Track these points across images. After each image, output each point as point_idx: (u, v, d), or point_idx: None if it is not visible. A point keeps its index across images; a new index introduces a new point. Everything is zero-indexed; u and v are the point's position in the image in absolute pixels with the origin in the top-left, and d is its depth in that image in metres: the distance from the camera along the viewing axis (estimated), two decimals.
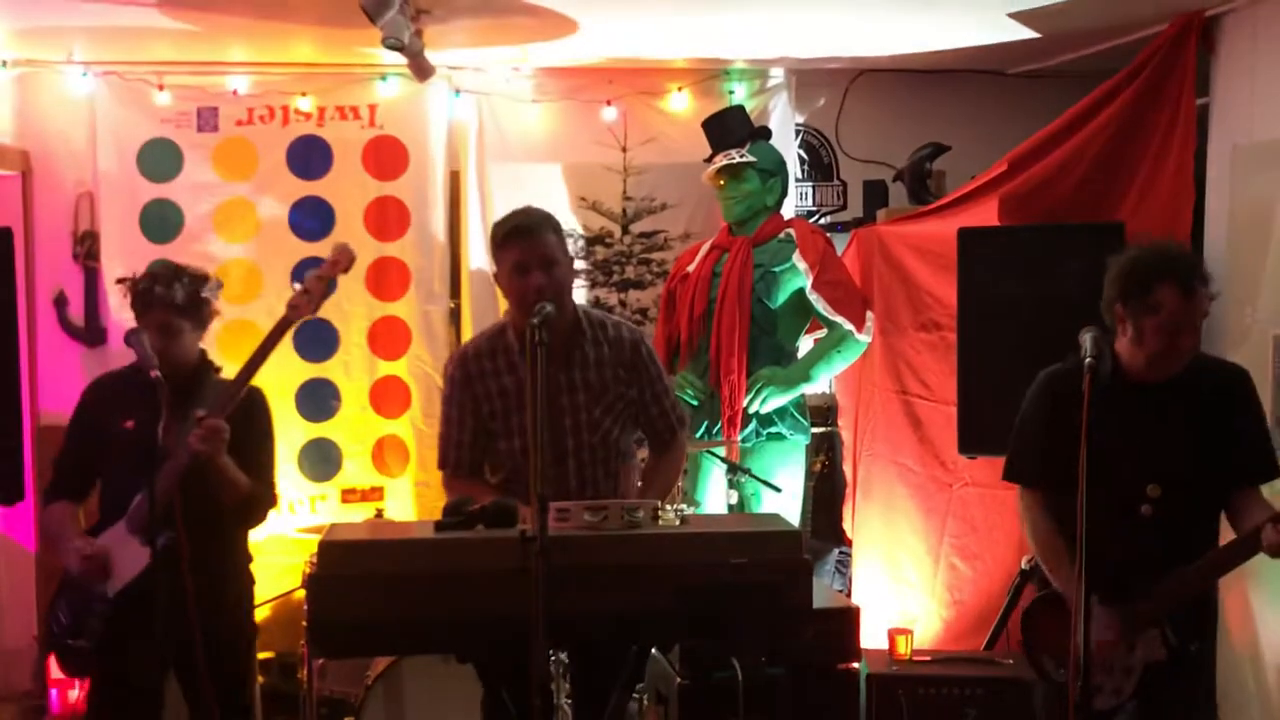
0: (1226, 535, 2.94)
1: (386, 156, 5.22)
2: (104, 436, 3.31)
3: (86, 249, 5.09)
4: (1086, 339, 2.77)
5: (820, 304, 4.69)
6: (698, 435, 4.71)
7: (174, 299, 3.27)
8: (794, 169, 5.33)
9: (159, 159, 5.10)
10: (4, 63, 4.96)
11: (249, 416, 3.35)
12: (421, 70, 4.34)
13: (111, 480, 3.34)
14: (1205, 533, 2.92)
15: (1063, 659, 2.98)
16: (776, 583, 2.60)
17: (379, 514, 5.12)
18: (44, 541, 3.35)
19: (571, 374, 3.11)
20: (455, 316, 5.35)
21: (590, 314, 3.20)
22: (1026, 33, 4.52)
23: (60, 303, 5.10)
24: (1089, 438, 2.78)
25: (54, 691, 4.75)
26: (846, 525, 5.18)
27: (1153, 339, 2.83)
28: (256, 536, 5.06)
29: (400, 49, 3.79)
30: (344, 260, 3.35)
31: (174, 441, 3.12)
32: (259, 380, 3.41)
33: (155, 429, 3.07)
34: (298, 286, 3.34)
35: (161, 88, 5.04)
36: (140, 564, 3.12)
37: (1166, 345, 2.82)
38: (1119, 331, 2.91)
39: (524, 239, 3.02)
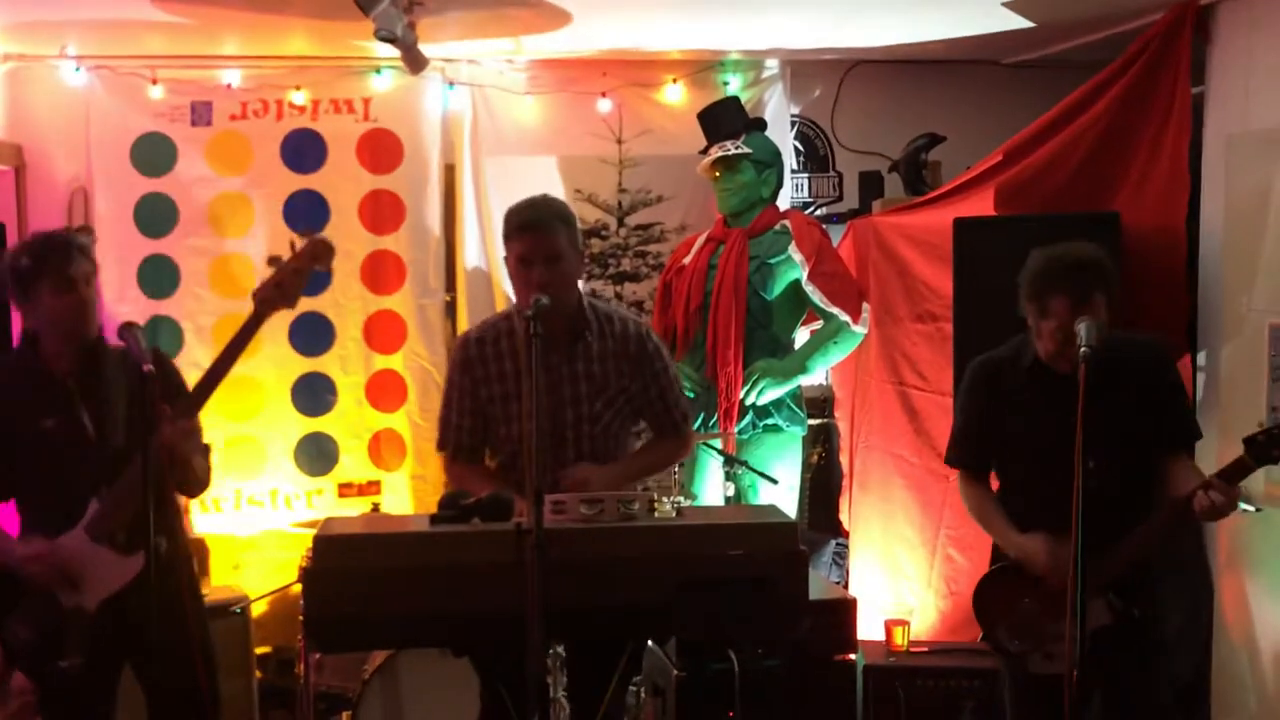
0: None
1: (381, 150, 5.21)
2: (18, 438, 3.04)
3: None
4: (1081, 328, 2.81)
5: (816, 295, 4.69)
6: (695, 427, 4.70)
7: (86, 269, 3.03)
8: (789, 160, 5.32)
9: (153, 153, 5.08)
10: None
11: (168, 382, 3.07)
12: (415, 63, 4.33)
13: (39, 485, 3.09)
14: (1143, 504, 3.04)
15: (1015, 630, 3.11)
16: (773, 574, 2.60)
17: (375, 508, 5.11)
18: None
19: (575, 365, 3.11)
20: (451, 310, 5.34)
21: (597, 306, 3.20)
22: (1021, 22, 4.51)
23: None
24: (1018, 421, 3.08)
25: None
26: (843, 517, 5.18)
27: (1048, 341, 3.00)
28: (251, 531, 5.14)
29: (393, 41, 3.78)
30: (322, 253, 3.04)
31: (122, 439, 2.98)
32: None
33: (79, 425, 2.97)
34: (266, 277, 3.04)
35: (155, 81, 5.03)
36: (125, 573, 2.96)
37: (1058, 350, 2.97)
38: (1029, 325, 3.08)
39: (530, 233, 3.02)
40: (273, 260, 3.04)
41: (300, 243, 3.04)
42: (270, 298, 3.01)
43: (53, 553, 2.99)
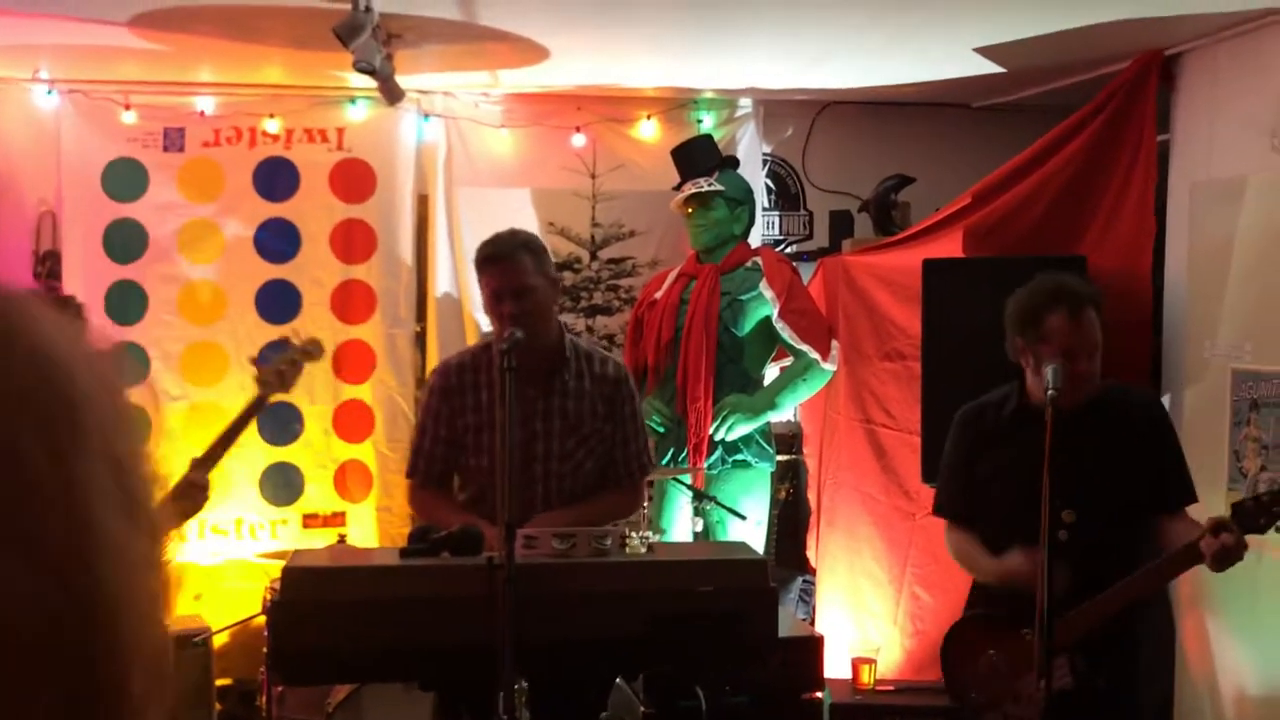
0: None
1: (354, 179, 5.20)
2: None
3: (48, 269, 5.03)
4: (1048, 372, 2.82)
5: (786, 332, 4.72)
6: (663, 462, 4.71)
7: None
8: (761, 198, 5.36)
9: (124, 178, 5.05)
10: None
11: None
12: (391, 94, 4.34)
13: None
14: (1120, 560, 2.94)
15: (976, 682, 3.08)
16: (742, 611, 2.61)
17: (341, 539, 5.07)
18: None
19: (550, 401, 3.10)
20: (421, 340, 5.33)
21: (579, 344, 3.20)
22: (992, 67, 4.58)
23: None
24: (1002, 468, 2.99)
25: None
26: (810, 553, 5.19)
27: (1050, 370, 2.90)
28: (214, 561, 5.08)
29: (371, 73, 3.79)
30: (315, 351, 3.53)
31: None
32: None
33: None
34: (266, 366, 3.41)
35: (128, 107, 5.01)
36: None
37: (1071, 377, 2.89)
38: (1024, 366, 3.03)
39: (496, 265, 3.03)
40: (279, 343, 3.55)
41: (299, 339, 3.55)
42: (271, 382, 3.37)
43: None
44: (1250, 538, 2.71)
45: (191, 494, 3.08)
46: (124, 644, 0.47)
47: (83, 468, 0.45)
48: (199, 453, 3.27)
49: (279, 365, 3.37)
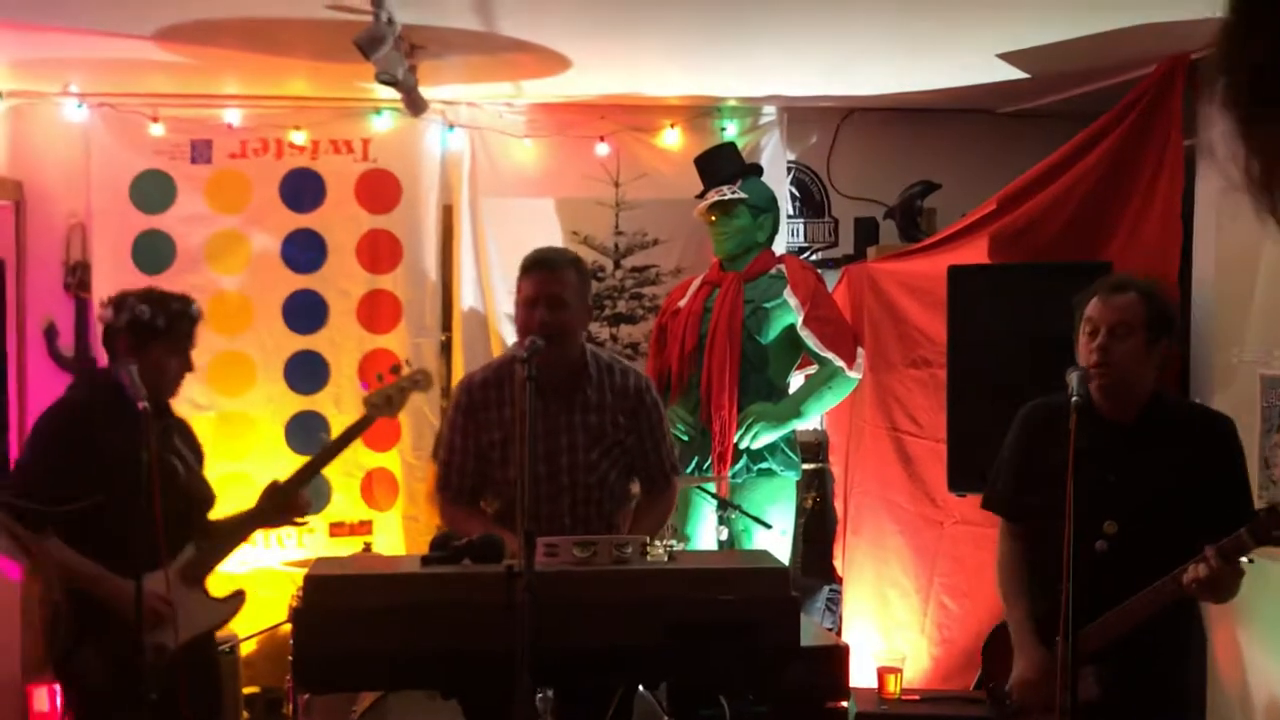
0: None
1: (379, 190, 5.24)
2: (125, 474, 2.99)
3: (78, 279, 5.09)
4: (1073, 378, 2.79)
5: (811, 340, 4.70)
6: (688, 471, 4.70)
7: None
8: (785, 205, 5.35)
9: (152, 190, 5.11)
10: (0, 94, 4.97)
11: (190, 441, 3.50)
12: (415, 105, 4.36)
13: (133, 525, 3.00)
14: (1161, 575, 2.85)
15: (1013, 690, 3.05)
16: (764, 619, 2.60)
17: (367, 548, 5.09)
18: (67, 575, 3.12)
19: (573, 415, 3.13)
20: (446, 349, 5.35)
21: (600, 357, 3.23)
22: (1016, 73, 4.56)
23: (50, 334, 5.10)
24: (1054, 471, 2.86)
25: None
26: (837, 562, 5.17)
27: (1086, 353, 2.91)
28: (241, 569, 5.10)
29: (394, 84, 3.81)
30: (423, 381, 3.62)
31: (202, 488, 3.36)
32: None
33: (172, 469, 3.19)
34: (375, 387, 3.55)
35: (156, 119, 5.06)
36: (216, 617, 3.35)
37: (1094, 355, 2.88)
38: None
39: (539, 272, 3.07)
40: (393, 369, 3.60)
41: (408, 369, 3.63)
42: (380, 404, 3.52)
43: (169, 592, 3.16)
44: None
45: (292, 506, 3.40)
46: None
47: None
48: (293, 470, 3.55)
49: (389, 392, 3.51)
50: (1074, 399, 2.72)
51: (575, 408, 3.13)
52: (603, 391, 3.16)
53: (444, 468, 3.25)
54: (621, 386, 3.18)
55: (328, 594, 2.56)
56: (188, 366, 3.33)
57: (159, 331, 3.22)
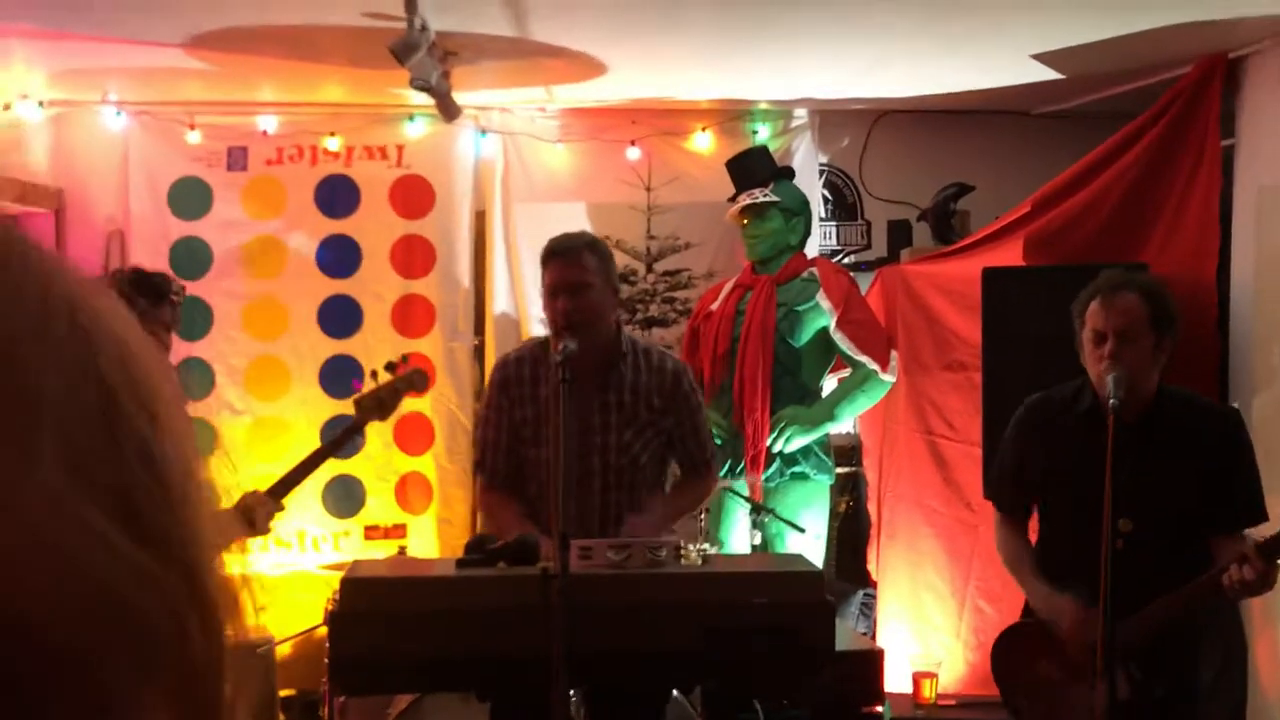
0: None
1: (413, 195, 5.27)
2: None
3: (117, 286, 5.14)
4: (1109, 380, 2.77)
5: (844, 343, 4.69)
6: (721, 474, 4.69)
7: (169, 316, 3.24)
8: (817, 208, 5.34)
9: (189, 197, 5.16)
10: (40, 103, 5.04)
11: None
12: (449, 111, 4.39)
13: None
14: (1178, 574, 2.85)
15: (1030, 693, 3.00)
16: (798, 624, 2.59)
17: (402, 551, 5.12)
18: None
19: (606, 394, 3.14)
20: (479, 354, 5.37)
21: (636, 342, 3.25)
22: (1050, 73, 4.53)
23: None
24: (1064, 467, 2.92)
25: None
26: (871, 567, 5.15)
27: (1089, 359, 2.91)
28: (277, 572, 5.15)
29: (428, 90, 3.84)
30: (418, 382, 3.39)
31: None
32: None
33: None
34: (366, 386, 3.33)
35: (193, 127, 5.11)
36: None
37: (1096, 359, 2.87)
38: (1083, 362, 2.98)
39: (557, 259, 3.09)
40: (388, 367, 3.34)
41: (404, 367, 3.39)
42: (370, 408, 3.28)
43: None
44: None
45: (259, 514, 3.16)
46: (222, 642, 0.46)
47: (168, 438, 0.45)
48: (279, 475, 3.30)
49: (381, 394, 3.30)
50: (1111, 401, 2.71)
51: (609, 387, 3.14)
52: (638, 371, 3.16)
53: (480, 447, 3.30)
54: (659, 367, 3.20)
55: (364, 597, 2.58)
56: (164, 346, 3.22)
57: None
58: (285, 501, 3.23)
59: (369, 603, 2.58)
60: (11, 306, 0.42)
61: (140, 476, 0.43)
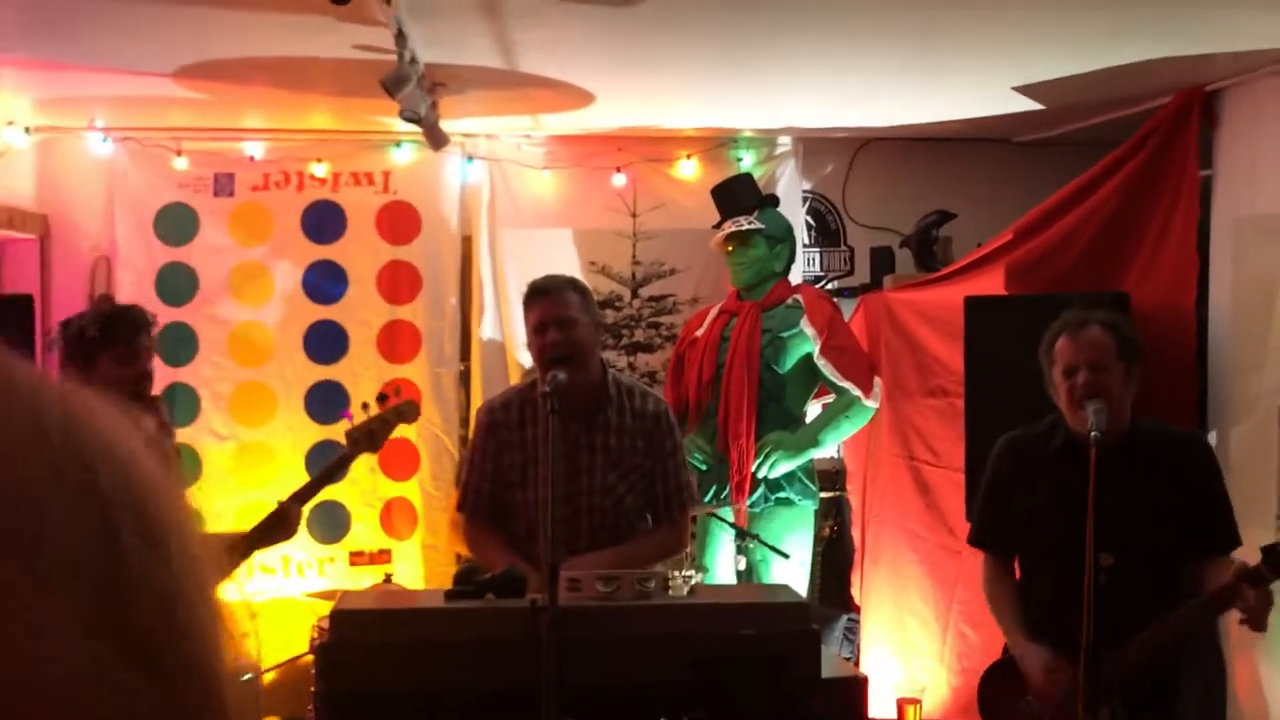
0: None
1: (399, 221, 5.29)
2: None
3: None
4: (1090, 410, 2.81)
5: (828, 369, 4.72)
6: (706, 500, 4.71)
7: (147, 344, 3.23)
8: (801, 235, 5.38)
9: (175, 223, 5.17)
10: (27, 129, 5.04)
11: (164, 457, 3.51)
12: (436, 140, 4.41)
13: None
14: (1158, 605, 2.86)
15: None
16: (785, 653, 2.61)
17: (387, 578, 5.11)
18: None
19: (593, 436, 3.17)
20: (465, 379, 5.39)
21: (621, 380, 3.27)
22: (1032, 104, 4.59)
23: (53, 346, 5.14)
24: (1043, 505, 2.94)
25: None
26: (855, 592, 5.17)
27: (1061, 392, 2.94)
28: (263, 598, 5.14)
29: (417, 121, 3.87)
30: (409, 414, 3.39)
31: None
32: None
33: None
34: (356, 419, 3.32)
35: (179, 153, 5.13)
36: None
37: (1069, 392, 2.91)
38: (1054, 398, 3.01)
39: (542, 298, 3.13)
40: (380, 399, 3.35)
41: (395, 399, 3.39)
42: (360, 439, 3.27)
43: None
44: None
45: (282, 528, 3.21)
46: None
47: (176, 561, 0.44)
48: (263, 502, 3.34)
49: (372, 426, 3.28)
50: (1093, 434, 2.74)
51: (596, 429, 3.17)
52: (623, 414, 3.20)
53: (465, 488, 3.30)
54: (641, 409, 3.22)
55: (352, 629, 2.59)
56: (144, 375, 3.21)
57: (98, 342, 3.13)
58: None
59: (358, 635, 2.59)
60: (2, 431, 0.41)
61: (148, 610, 0.42)
